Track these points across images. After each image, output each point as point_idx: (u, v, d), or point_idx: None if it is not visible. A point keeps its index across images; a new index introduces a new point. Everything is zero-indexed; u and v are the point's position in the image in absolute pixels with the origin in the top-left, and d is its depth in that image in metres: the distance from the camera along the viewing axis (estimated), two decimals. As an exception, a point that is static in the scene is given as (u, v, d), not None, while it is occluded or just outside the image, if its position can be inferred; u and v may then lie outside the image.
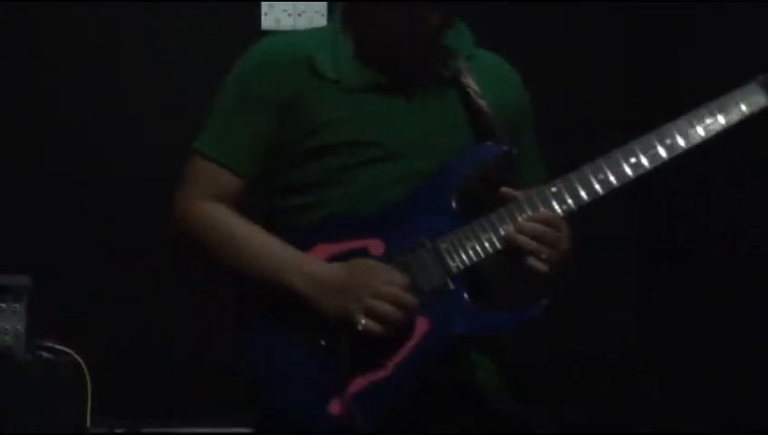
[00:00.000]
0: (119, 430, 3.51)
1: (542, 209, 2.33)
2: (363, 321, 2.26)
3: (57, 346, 3.44)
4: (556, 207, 2.34)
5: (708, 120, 2.36)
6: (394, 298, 2.27)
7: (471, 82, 2.42)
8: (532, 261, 2.31)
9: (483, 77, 2.45)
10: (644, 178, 2.36)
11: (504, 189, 2.36)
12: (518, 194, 2.35)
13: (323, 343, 2.31)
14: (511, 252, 2.33)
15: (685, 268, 4.17)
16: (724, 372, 3.94)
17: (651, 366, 4.27)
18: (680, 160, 2.38)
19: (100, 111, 4.06)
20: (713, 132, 2.36)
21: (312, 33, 2.52)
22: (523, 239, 2.31)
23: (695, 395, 4.06)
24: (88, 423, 3.40)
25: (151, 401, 3.84)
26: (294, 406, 2.32)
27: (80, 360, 3.40)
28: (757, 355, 3.81)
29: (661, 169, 2.36)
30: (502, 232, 2.33)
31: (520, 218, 2.32)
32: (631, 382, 4.28)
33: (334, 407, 2.27)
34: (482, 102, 2.40)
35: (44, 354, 3.44)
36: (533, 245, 2.31)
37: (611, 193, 2.34)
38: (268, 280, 2.33)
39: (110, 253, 4.00)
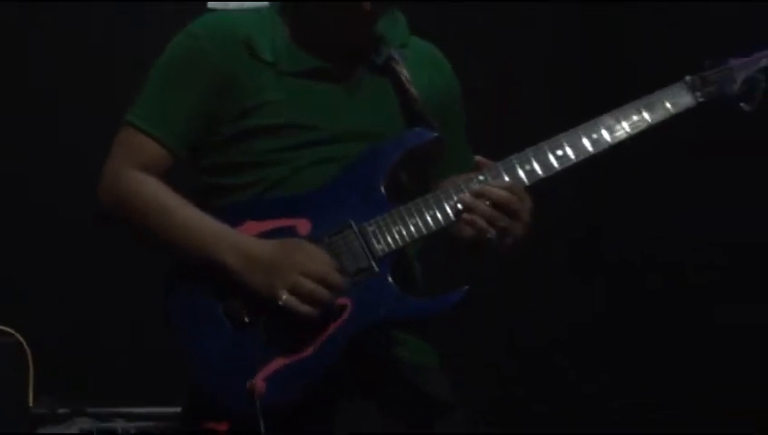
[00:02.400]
0: (62, 410, 3.51)
1: (505, 178, 2.36)
2: (285, 296, 2.29)
3: (-1, 327, 3.45)
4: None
5: (635, 118, 2.40)
6: (319, 276, 2.30)
7: (403, 70, 2.45)
8: (485, 231, 2.33)
9: (415, 65, 2.48)
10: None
11: (479, 158, 2.40)
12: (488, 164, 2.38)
13: (247, 319, 2.33)
14: (464, 219, 2.34)
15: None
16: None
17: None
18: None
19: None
20: (638, 130, 2.40)
21: (252, 14, 2.54)
22: (480, 206, 2.33)
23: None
24: (30, 403, 3.42)
25: (95, 381, 3.83)
26: (216, 381, 2.34)
27: (22, 340, 3.41)
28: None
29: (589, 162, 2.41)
30: (448, 208, 2.35)
31: (478, 185, 2.35)
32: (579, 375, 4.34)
33: (251, 384, 2.28)
34: (413, 90, 2.44)
35: (-14, 335, 3.44)
36: (491, 212, 2.33)
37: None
38: (197, 253, 2.35)
39: (51, 234, 4.00)
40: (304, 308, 2.29)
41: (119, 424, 3.50)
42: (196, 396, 2.40)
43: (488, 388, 4.22)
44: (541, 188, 2.39)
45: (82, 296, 3.97)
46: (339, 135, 2.42)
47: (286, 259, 2.31)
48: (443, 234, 2.39)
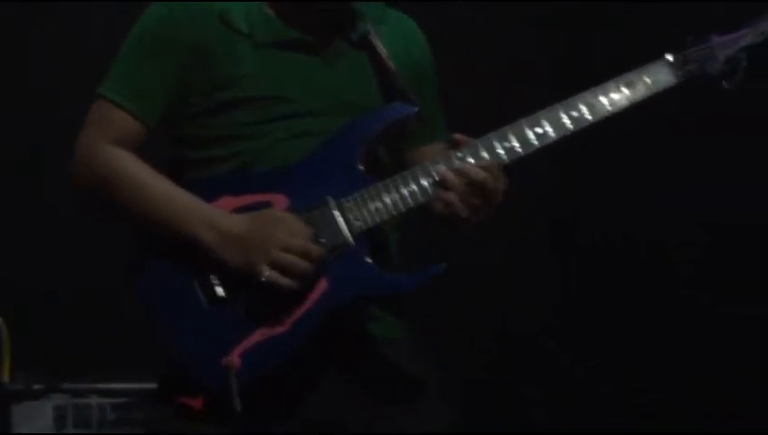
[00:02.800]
0: (37, 386, 3.50)
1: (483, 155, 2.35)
2: (267, 272, 2.27)
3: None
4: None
5: (614, 96, 2.38)
6: (299, 249, 2.28)
7: (380, 44, 2.43)
8: (458, 208, 2.31)
9: (391, 38, 2.46)
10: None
11: (458, 136, 2.38)
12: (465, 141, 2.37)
13: (222, 295, 2.31)
14: (438, 196, 2.33)
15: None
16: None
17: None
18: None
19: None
20: (618, 108, 2.38)
21: None
22: (456, 181, 2.31)
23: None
24: (6, 378, 3.39)
25: (71, 358, 3.82)
26: (190, 357, 2.33)
27: (-3, 316, 3.40)
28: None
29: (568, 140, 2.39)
30: (425, 184, 2.34)
31: (457, 161, 2.34)
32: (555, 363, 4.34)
33: (226, 360, 2.27)
34: (391, 64, 2.42)
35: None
36: (466, 190, 2.31)
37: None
38: (170, 228, 2.33)
39: (25, 209, 3.98)
40: (286, 282, 2.28)
41: (94, 400, 3.50)
42: (169, 372, 2.39)
43: (475, 372, 4.23)
44: (521, 168, 2.39)
45: (59, 272, 3.96)
46: (315, 108, 2.39)
47: (264, 233, 2.29)
48: (420, 209, 2.37)
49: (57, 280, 3.96)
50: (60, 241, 3.97)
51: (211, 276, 2.32)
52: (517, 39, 4.35)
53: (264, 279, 2.28)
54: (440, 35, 2.63)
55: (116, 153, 2.38)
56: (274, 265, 2.28)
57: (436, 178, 2.33)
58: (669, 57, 2.41)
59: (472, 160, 2.34)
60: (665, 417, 4.10)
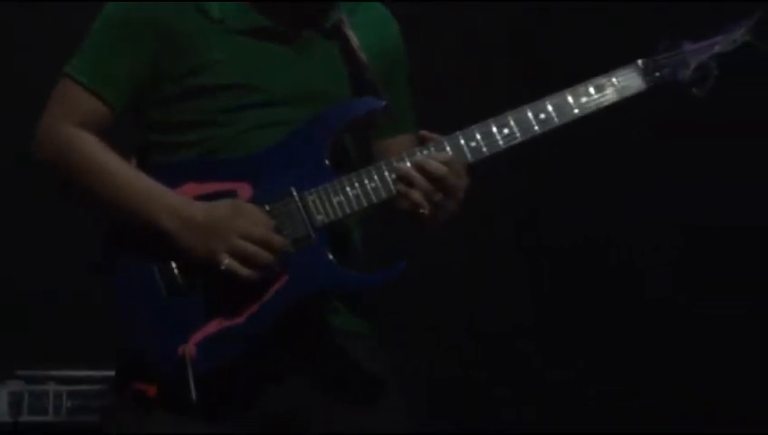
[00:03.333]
0: (-8, 373, 3.49)
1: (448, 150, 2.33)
2: (227, 260, 2.26)
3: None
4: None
5: (583, 99, 2.37)
6: (261, 239, 2.26)
7: (352, 35, 2.42)
8: (420, 205, 2.30)
9: (363, 28, 2.45)
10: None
11: (425, 133, 2.36)
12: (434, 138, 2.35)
13: (181, 282, 2.30)
14: (400, 191, 2.31)
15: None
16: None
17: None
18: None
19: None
20: (587, 111, 2.37)
21: None
22: (417, 177, 2.30)
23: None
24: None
25: (26, 344, 3.79)
26: (146, 344, 2.31)
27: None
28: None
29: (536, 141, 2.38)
30: (389, 180, 2.32)
31: (420, 155, 2.32)
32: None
33: (182, 348, 2.26)
34: (363, 56, 2.40)
35: None
36: (427, 186, 2.30)
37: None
38: (132, 213, 2.32)
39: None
40: (246, 271, 2.26)
41: (50, 387, 3.47)
42: (126, 358, 2.37)
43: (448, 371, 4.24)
44: (487, 167, 2.38)
45: (16, 260, 3.92)
46: (285, 97, 2.38)
47: (226, 222, 2.28)
48: (383, 205, 2.35)
49: (14, 268, 3.92)
50: (15, 227, 3.93)
51: (171, 264, 2.31)
52: (489, 38, 4.36)
53: (223, 268, 2.26)
54: (412, 33, 2.62)
55: (80, 135, 2.35)
56: (235, 254, 2.26)
57: (397, 174, 2.31)
58: (640, 62, 2.40)
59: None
60: (638, 418, 4.13)
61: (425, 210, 2.30)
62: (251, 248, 2.26)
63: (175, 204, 2.30)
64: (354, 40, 2.41)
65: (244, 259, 2.26)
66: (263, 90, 2.37)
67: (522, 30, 4.36)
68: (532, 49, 4.34)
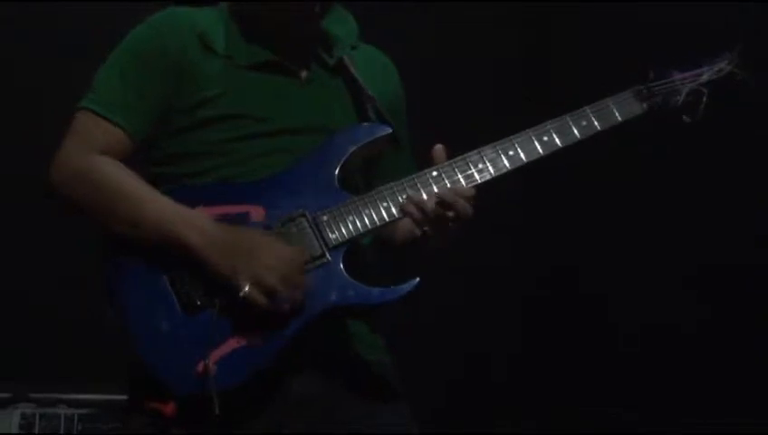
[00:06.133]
0: (4, 395, 3.52)
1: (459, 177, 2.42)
2: (247, 288, 2.30)
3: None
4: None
5: (584, 123, 2.48)
6: (283, 276, 2.31)
7: (354, 70, 2.53)
8: (430, 226, 2.38)
9: (365, 67, 2.56)
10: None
11: (438, 147, 2.44)
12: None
13: (199, 301, 2.34)
14: (409, 214, 2.39)
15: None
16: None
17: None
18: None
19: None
20: (587, 135, 2.48)
21: (208, 10, 2.60)
22: (429, 205, 2.37)
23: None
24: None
25: (39, 368, 3.81)
26: (162, 361, 2.34)
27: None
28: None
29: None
30: (402, 200, 2.39)
31: (431, 180, 2.41)
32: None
33: (201, 366, 2.29)
34: (368, 89, 2.51)
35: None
36: (438, 212, 2.37)
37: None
38: (158, 229, 2.35)
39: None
40: (264, 302, 2.31)
41: (62, 410, 3.51)
42: (140, 376, 2.38)
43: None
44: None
45: (29, 283, 3.95)
46: (292, 127, 2.47)
47: (250, 248, 2.33)
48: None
49: (27, 290, 3.95)
50: (30, 249, 3.96)
51: (187, 282, 2.35)
52: (494, 65, 4.46)
53: (242, 294, 2.30)
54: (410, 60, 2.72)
55: (103, 158, 2.41)
56: (256, 282, 2.31)
57: (413, 199, 2.40)
58: (637, 89, 2.51)
59: (446, 181, 2.42)
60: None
61: (430, 233, 2.40)
62: (272, 281, 2.30)
63: (202, 222, 2.36)
64: (358, 75, 2.52)
65: (264, 290, 2.31)
66: (268, 120, 2.46)
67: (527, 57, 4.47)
68: (536, 75, 4.44)
